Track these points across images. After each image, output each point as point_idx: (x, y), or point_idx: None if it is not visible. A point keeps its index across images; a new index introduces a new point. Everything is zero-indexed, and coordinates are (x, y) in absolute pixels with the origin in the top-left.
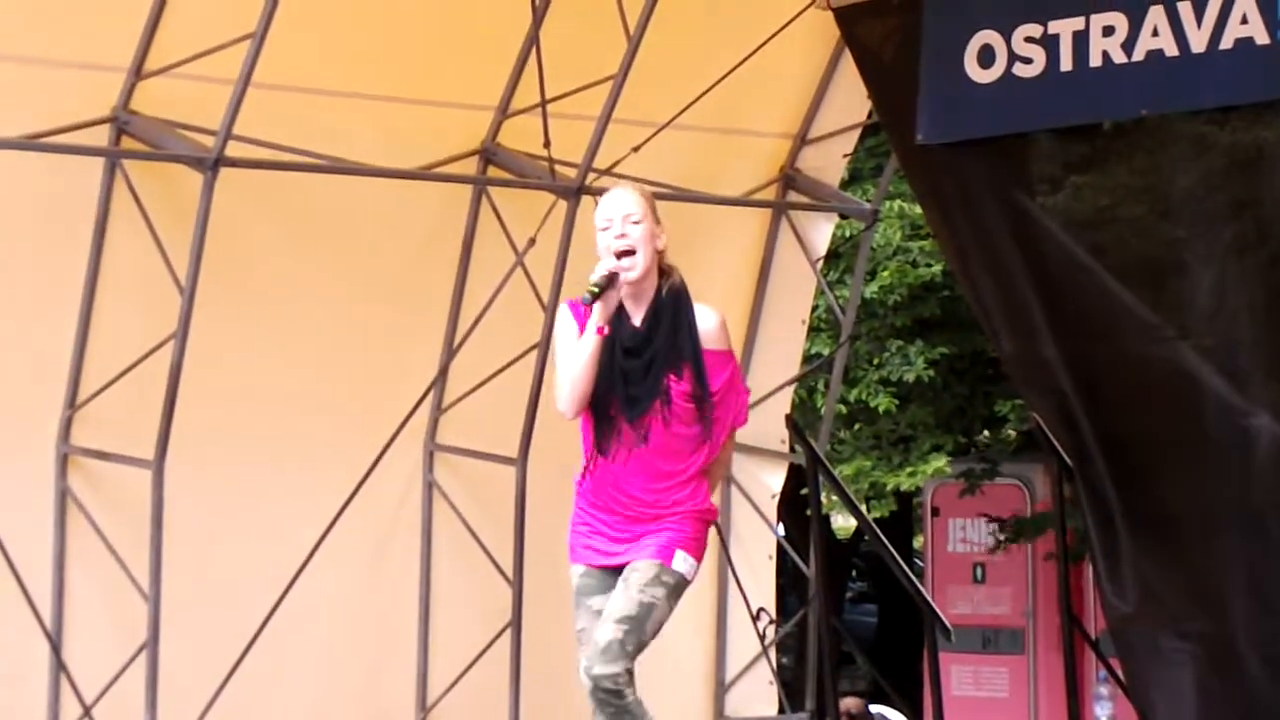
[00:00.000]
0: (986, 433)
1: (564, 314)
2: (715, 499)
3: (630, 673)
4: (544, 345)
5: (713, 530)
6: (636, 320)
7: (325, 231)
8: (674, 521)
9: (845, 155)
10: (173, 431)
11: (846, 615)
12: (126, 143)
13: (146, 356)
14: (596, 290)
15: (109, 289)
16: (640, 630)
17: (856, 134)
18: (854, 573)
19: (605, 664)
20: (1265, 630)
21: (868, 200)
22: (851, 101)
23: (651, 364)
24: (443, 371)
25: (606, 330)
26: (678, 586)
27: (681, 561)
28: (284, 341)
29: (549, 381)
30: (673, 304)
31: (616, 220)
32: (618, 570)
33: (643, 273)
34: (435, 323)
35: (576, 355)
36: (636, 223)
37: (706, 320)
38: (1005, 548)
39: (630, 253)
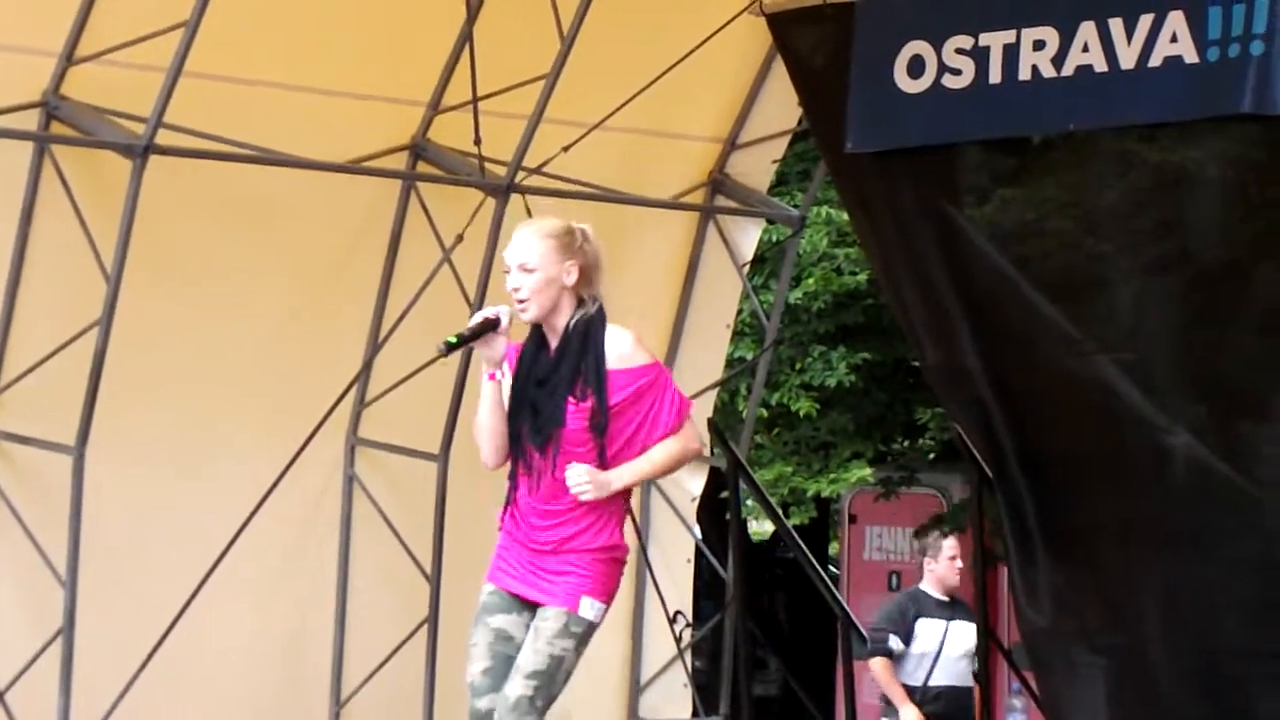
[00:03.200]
0: (905, 441)
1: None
2: (635, 500)
3: None
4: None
5: (630, 532)
6: (551, 351)
7: (253, 222)
8: (579, 563)
9: (774, 161)
10: (95, 418)
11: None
12: (56, 128)
13: (70, 342)
14: (454, 341)
15: (35, 274)
16: (550, 684)
17: (786, 140)
18: (768, 577)
19: (510, 714)
20: (1178, 645)
21: (794, 205)
22: (782, 108)
23: (555, 391)
24: (366, 366)
25: (497, 376)
26: (586, 634)
27: (589, 608)
28: (209, 331)
29: (472, 379)
30: (581, 331)
31: (513, 268)
32: (524, 601)
33: (537, 315)
34: (361, 317)
35: (480, 407)
36: (530, 271)
37: (618, 341)
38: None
39: (521, 301)
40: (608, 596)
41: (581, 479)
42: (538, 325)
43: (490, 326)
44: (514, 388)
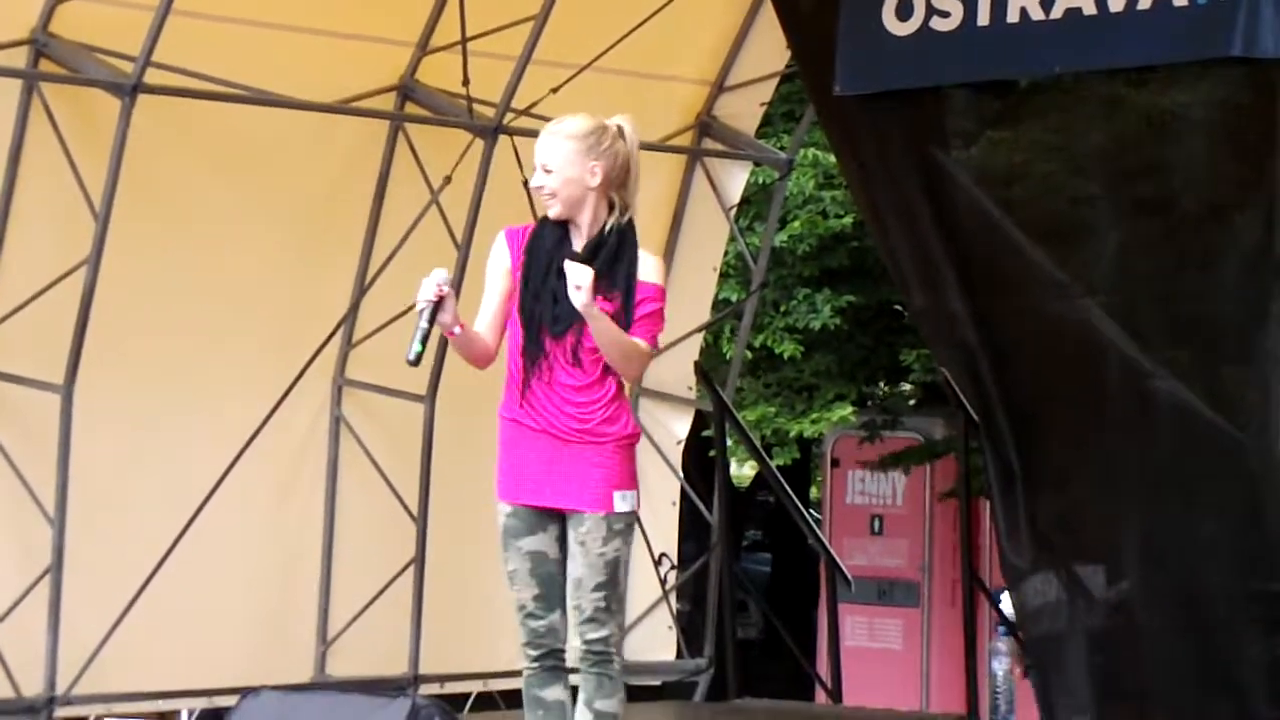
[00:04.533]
0: (888, 385)
1: (497, 243)
2: None
3: (619, 633)
4: (457, 285)
5: None
6: (578, 247)
7: (242, 161)
8: (601, 457)
9: (762, 104)
10: (83, 357)
11: (742, 563)
12: (45, 65)
13: (59, 281)
14: (420, 349)
15: (23, 212)
16: (615, 586)
17: (774, 83)
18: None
19: (594, 630)
20: (1160, 588)
21: (780, 147)
22: (770, 50)
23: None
24: (354, 307)
25: (459, 330)
26: (629, 526)
27: (621, 501)
28: (197, 271)
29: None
30: (616, 240)
31: (537, 167)
32: (545, 511)
33: (562, 213)
34: (349, 257)
35: (456, 350)
36: (549, 171)
37: (646, 260)
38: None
39: (550, 197)
40: (634, 482)
41: (584, 279)
42: (547, 220)
43: (437, 308)
44: (529, 274)
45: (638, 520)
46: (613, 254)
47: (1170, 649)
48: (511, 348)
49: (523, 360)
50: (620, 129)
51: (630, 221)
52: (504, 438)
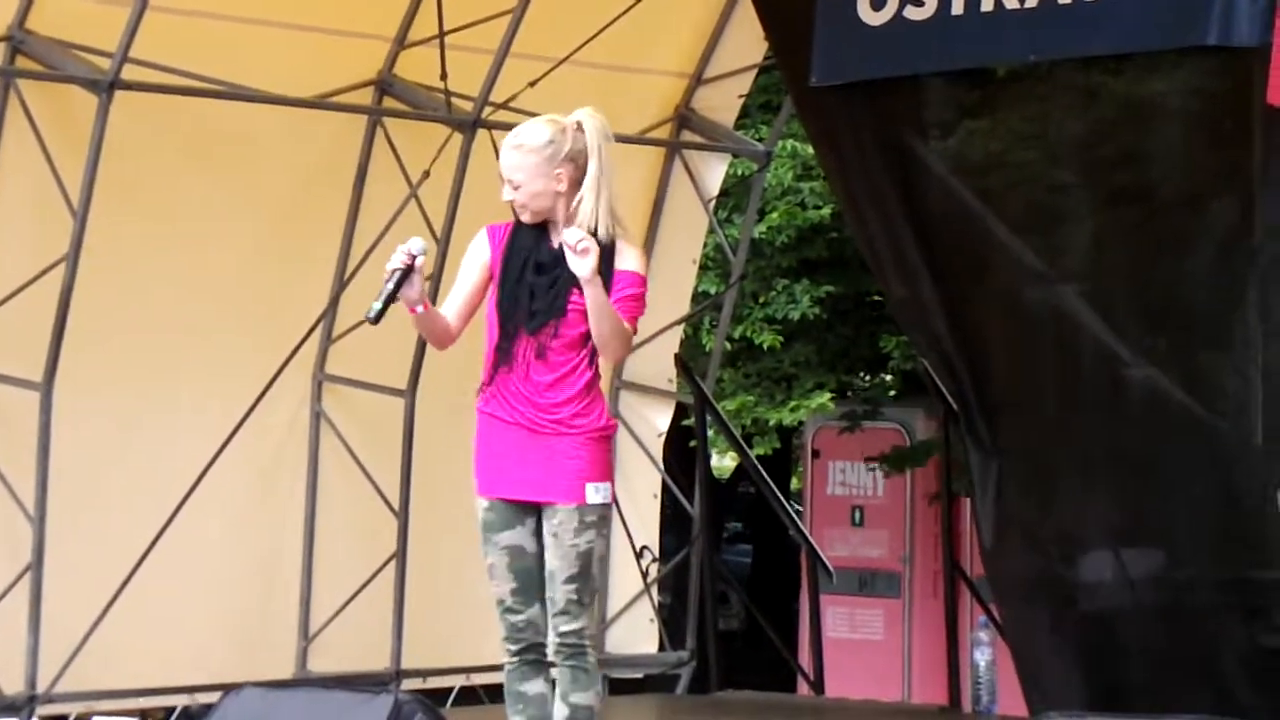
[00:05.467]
0: (868, 376)
1: (479, 238)
2: None
3: (593, 625)
4: (436, 278)
5: None
6: (555, 244)
7: (220, 157)
8: (575, 449)
9: (740, 96)
10: (62, 354)
11: (723, 555)
12: (22, 62)
13: (37, 278)
14: (380, 307)
15: (1, 209)
16: (588, 579)
17: (752, 75)
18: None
19: (568, 622)
20: (1138, 576)
21: (757, 138)
22: (748, 42)
23: (557, 281)
24: (333, 302)
25: (422, 309)
26: (603, 518)
27: (594, 493)
28: (176, 267)
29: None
30: (593, 232)
31: (505, 182)
32: (522, 505)
33: (534, 219)
34: (328, 252)
35: (418, 328)
36: (516, 187)
37: (626, 251)
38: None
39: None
40: (608, 475)
41: (584, 239)
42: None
43: (406, 274)
44: (506, 269)
45: (614, 512)
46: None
47: (1150, 636)
48: (489, 343)
49: (496, 355)
50: (579, 124)
51: (614, 228)
52: (481, 432)
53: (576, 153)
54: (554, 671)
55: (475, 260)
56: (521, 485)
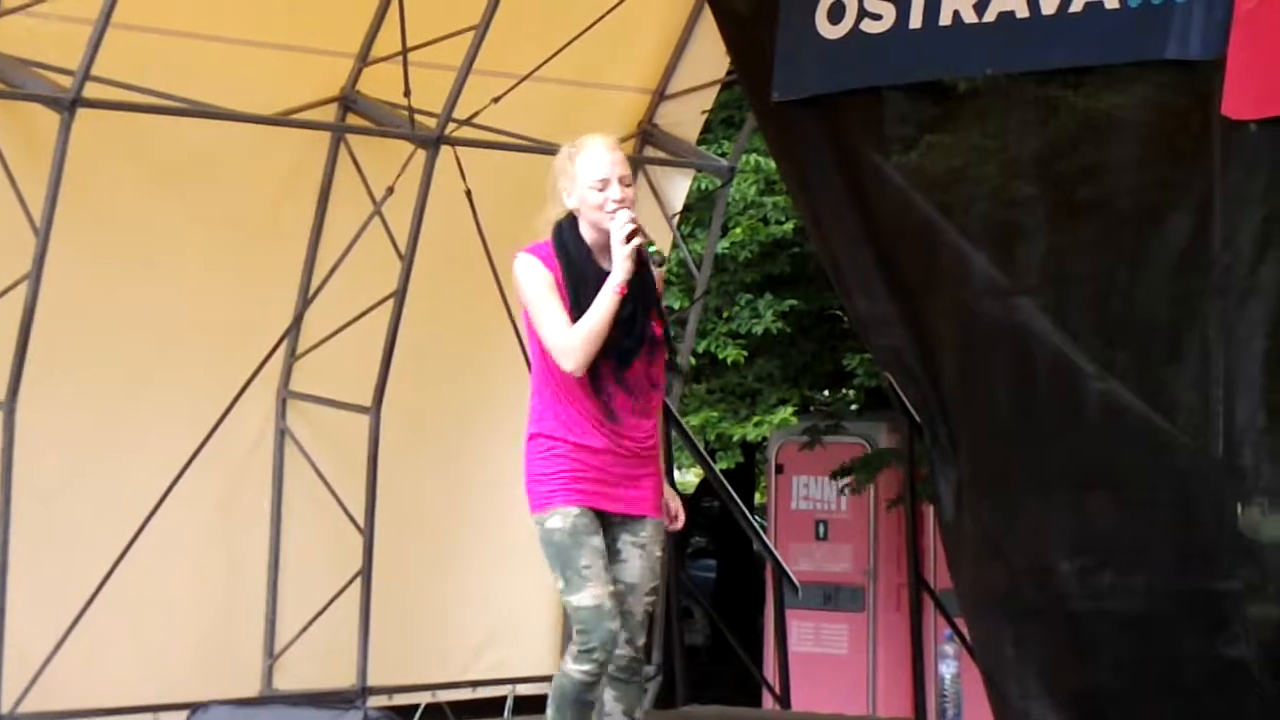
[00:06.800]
0: (827, 392)
1: (534, 264)
2: None
3: None
4: (400, 294)
5: None
6: (606, 268)
7: (183, 175)
8: (652, 467)
9: (703, 111)
10: (26, 372)
11: (688, 570)
12: None
13: (0, 297)
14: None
15: None
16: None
17: (715, 90)
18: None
19: (642, 635)
20: (1100, 588)
21: (720, 153)
22: (710, 58)
23: (635, 313)
24: (297, 319)
25: (625, 290)
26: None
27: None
28: (140, 284)
29: (404, 331)
30: (637, 252)
31: (614, 181)
32: (603, 515)
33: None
34: (292, 269)
35: (599, 316)
36: (629, 185)
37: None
38: (859, 489)
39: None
40: None
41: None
42: (569, 239)
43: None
44: (583, 306)
45: None
46: (644, 274)
47: (1115, 647)
48: (569, 378)
49: (593, 387)
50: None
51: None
52: (558, 455)
53: None
54: (610, 686)
55: (550, 280)
56: (615, 501)
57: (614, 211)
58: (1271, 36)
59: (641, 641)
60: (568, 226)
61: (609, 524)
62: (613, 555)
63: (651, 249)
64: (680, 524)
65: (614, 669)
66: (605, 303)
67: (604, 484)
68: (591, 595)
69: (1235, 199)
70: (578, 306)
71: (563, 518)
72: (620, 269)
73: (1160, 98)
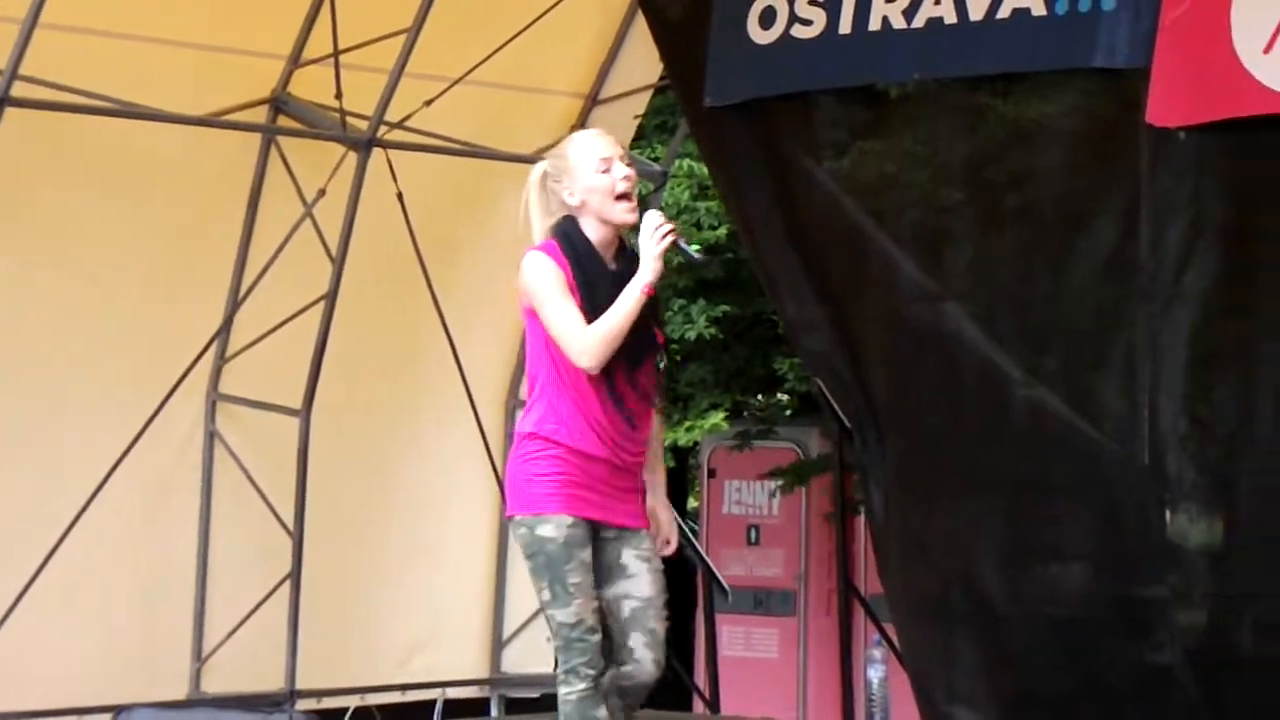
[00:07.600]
0: (760, 397)
1: (546, 261)
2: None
3: None
4: (331, 297)
5: (493, 483)
6: (612, 267)
7: (112, 175)
8: (637, 479)
9: (636, 116)
10: None
11: None
12: None
13: None
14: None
15: None
16: None
17: (648, 95)
18: None
19: (663, 653)
20: (1027, 595)
21: (653, 158)
22: (643, 63)
23: (646, 314)
24: (227, 321)
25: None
26: None
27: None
28: (68, 285)
29: (335, 333)
30: (629, 249)
31: (617, 160)
32: (595, 525)
33: (632, 210)
34: (221, 271)
35: (623, 314)
36: (631, 164)
37: None
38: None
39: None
40: None
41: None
42: (575, 238)
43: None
44: (596, 303)
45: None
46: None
47: (1044, 652)
48: (571, 377)
49: (606, 391)
50: None
51: None
52: (556, 457)
53: None
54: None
55: (563, 279)
56: (608, 512)
57: (626, 191)
58: (1197, 45)
59: (663, 659)
60: (570, 227)
61: (605, 537)
62: (618, 570)
63: (693, 249)
64: (674, 548)
65: (628, 684)
66: (630, 302)
67: (603, 494)
68: (575, 612)
69: (1162, 206)
70: (590, 304)
71: (557, 527)
72: (649, 268)
73: (1088, 105)
